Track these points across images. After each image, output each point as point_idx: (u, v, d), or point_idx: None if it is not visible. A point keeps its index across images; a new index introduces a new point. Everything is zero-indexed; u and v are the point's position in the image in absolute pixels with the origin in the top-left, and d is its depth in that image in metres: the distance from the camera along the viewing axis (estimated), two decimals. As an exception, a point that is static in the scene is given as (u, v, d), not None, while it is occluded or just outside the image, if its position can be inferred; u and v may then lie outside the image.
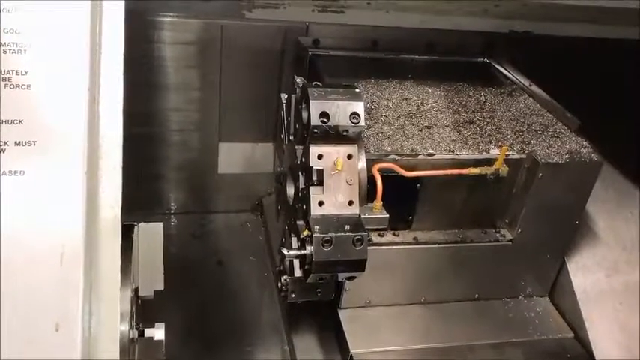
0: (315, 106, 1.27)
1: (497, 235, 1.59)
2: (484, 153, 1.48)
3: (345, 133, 1.29)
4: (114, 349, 0.79)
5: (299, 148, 1.39)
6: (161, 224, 1.38)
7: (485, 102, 1.73)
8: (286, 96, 1.49)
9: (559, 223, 1.58)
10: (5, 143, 0.75)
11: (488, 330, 1.59)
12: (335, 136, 1.30)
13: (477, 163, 1.45)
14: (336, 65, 1.86)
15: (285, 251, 1.29)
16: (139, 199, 2.05)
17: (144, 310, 1.27)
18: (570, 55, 2.01)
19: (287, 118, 1.49)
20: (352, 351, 1.47)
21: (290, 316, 1.68)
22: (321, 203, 1.30)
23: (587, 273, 1.68)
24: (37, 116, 0.77)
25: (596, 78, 2.06)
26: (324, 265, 1.25)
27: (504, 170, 1.44)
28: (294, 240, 1.40)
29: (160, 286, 1.33)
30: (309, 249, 1.26)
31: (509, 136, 1.56)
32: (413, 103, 1.65)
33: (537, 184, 1.48)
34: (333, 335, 1.58)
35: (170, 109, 2.06)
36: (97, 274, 0.80)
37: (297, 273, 1.36)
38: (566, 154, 1.50)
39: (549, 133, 1.59)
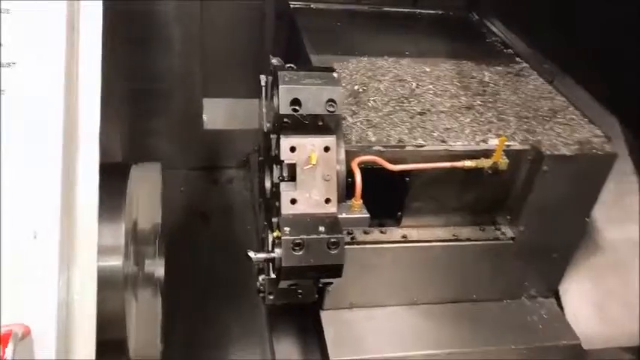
0: (285, 92, 1.13)
1: (498, 232, 1.43)
2: (481, 143, 1.32)
3: (320, 123, 1.15)
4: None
5: (273, 137, 1.25)
6: (159, 164, 1.50)
7: (488, 83, 1.56)
8: (265, 78, 1.35)
9: (567, 219, 1.41)
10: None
11: (486, 335, 1.44)
12: (310, 125, 1.16)
13: (473, 154, 1.29)
14: (317, 18, 1.80)
15: (252, 255, 1.17)
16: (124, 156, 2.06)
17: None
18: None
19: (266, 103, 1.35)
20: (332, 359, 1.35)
21: (271, 317, 1.57)
22: (293, 201, 1.17)
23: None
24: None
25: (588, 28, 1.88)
26: (294, 270, 1.12)
27: (503, 163, 1.28)
28: (270, 238, 1.28)
29: (158, 220, 1.42)
30: (277, 252, 1.13)
31: (511, 124, 1.39)
32: (407, 86, 1.49)
33: (542, 178, 1.32)
34: (315, 338, 1.46)
35: (152, 65, 2.02)
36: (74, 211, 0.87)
37: (273, 275, 1.24)
38: (575, 145, 1.33)
39: (558, 120, 1.42)
